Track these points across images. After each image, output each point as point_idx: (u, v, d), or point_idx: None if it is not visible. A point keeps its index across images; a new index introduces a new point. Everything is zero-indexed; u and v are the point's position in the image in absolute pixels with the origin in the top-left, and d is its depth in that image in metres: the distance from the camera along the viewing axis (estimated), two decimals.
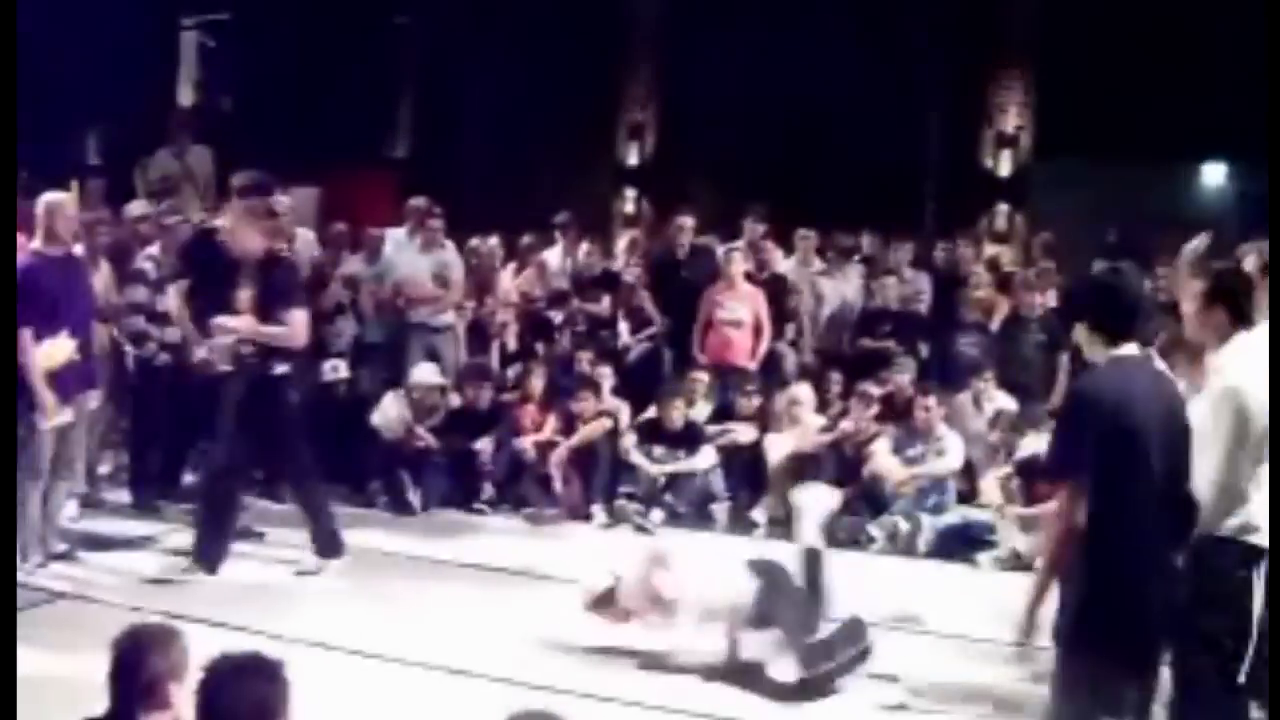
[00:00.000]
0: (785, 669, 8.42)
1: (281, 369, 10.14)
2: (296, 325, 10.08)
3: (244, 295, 9.92)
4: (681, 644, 8.66)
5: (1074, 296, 7.71)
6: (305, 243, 14.96)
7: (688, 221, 15.41)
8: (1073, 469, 5.58)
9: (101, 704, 4.76)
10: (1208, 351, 6.62)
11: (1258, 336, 6.87)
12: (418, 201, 14.50)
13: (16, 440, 9.39)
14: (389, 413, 13.32)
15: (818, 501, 9.61)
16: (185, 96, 22.31)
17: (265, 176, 10.17)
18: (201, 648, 4.74)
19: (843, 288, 15.55)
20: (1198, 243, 7.52)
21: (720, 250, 15.16)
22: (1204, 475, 6.34)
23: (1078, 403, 5.81)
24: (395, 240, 14.58)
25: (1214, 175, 19.42)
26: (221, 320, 9.91)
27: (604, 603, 8.95)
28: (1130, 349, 5.87)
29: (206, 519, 10.26)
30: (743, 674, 8.49)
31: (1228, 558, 6.46)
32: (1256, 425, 6.33)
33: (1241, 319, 6.57)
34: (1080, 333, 6.02)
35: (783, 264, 15.57)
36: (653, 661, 8.68)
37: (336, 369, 13.93)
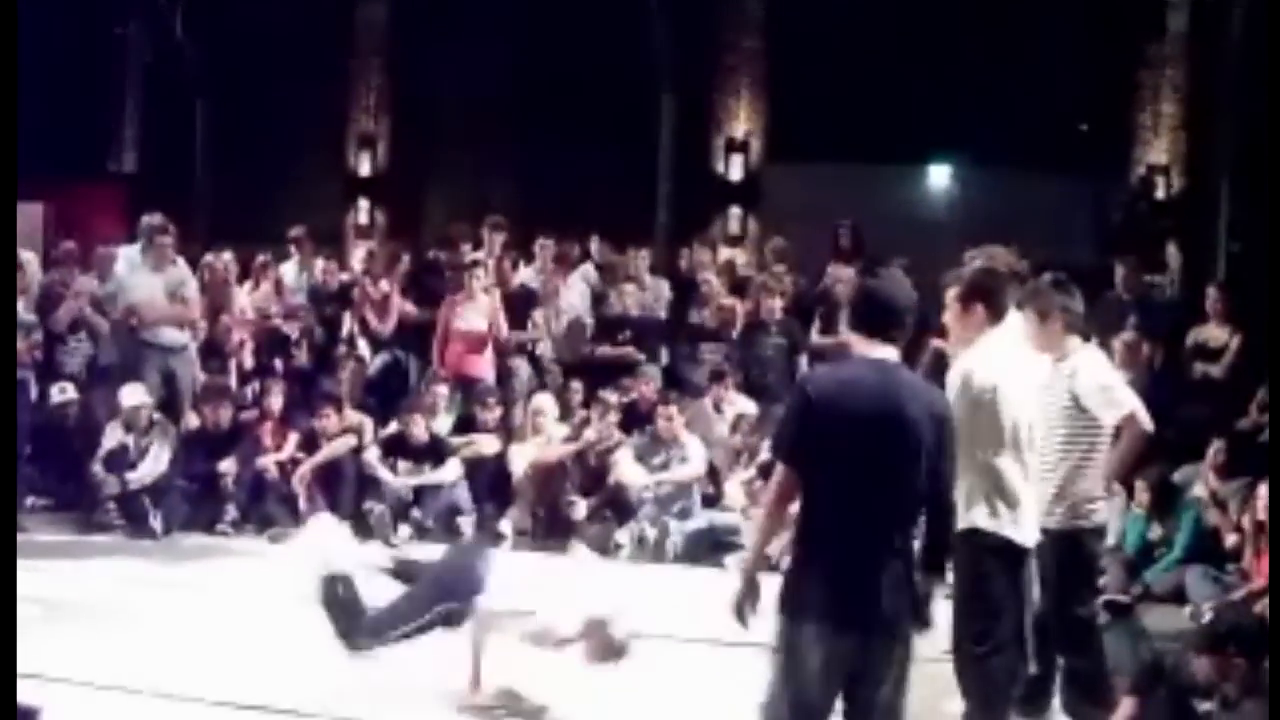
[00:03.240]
0: None
1: None
2: None
3: None
4: None
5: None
6: (30, 265, 14.57)
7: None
8: (786, 452, 5.74)
9: None
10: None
11: (1003, 330, 7.07)
12: (150, 218, 14.10)
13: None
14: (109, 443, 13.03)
15: (324, 534, 9.51)
16: None
17: None
18: None
19: (569, 295, 15.52)
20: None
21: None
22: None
23: (795, 392, 5.93)
24: (128, 259, 14.04)
25: (940, 177, 19.91)
26: None
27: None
28: (879, 350, 5.75)
29: None
30: None
31: (969, 552, 6.68)
32: (1006, 418, 6.56)
33: (998, 314, 6.80)
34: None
35: (523, 273, 15.60)
36: None
37: (64, 390, 13.63)
